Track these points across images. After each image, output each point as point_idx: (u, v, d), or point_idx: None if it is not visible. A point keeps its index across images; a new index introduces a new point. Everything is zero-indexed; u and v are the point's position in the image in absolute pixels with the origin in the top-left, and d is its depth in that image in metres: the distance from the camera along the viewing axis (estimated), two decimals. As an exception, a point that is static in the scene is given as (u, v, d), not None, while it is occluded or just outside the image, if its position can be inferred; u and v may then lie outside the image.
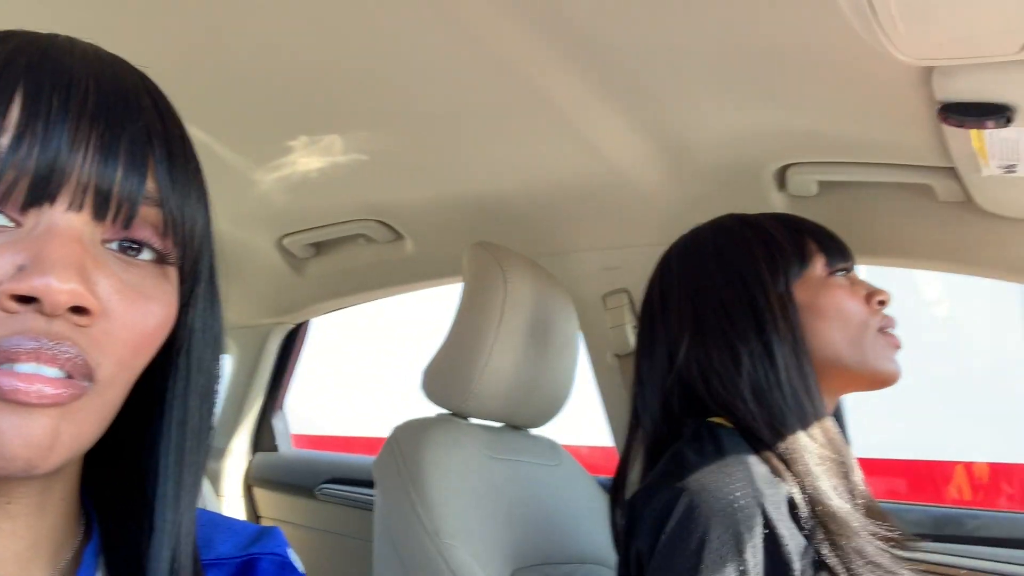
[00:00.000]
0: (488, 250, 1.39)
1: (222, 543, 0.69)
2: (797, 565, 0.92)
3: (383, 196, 1.68)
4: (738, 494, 0.93)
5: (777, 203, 1.41)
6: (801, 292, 1.11)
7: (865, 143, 1.23)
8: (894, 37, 0.81)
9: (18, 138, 0.47)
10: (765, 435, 1.03)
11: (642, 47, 1.09)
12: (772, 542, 0.92)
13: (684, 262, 1.18)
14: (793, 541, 0.93)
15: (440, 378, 1.36)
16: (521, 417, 1.45)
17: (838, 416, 1.20)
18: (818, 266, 1.13)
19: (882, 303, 1.13)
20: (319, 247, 2.00)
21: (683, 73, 1.14)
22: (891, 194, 1.34)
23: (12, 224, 0.48)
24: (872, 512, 1.07)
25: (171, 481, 0.58)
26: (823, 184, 1.37)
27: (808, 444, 1.02)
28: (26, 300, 0.46)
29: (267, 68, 1.20)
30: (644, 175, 1.45)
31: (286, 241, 1.94)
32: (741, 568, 0.89)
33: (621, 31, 1.06)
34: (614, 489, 1.18)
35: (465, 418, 1.39)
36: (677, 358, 1.13)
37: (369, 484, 2.13)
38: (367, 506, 2.10)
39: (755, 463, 0.99)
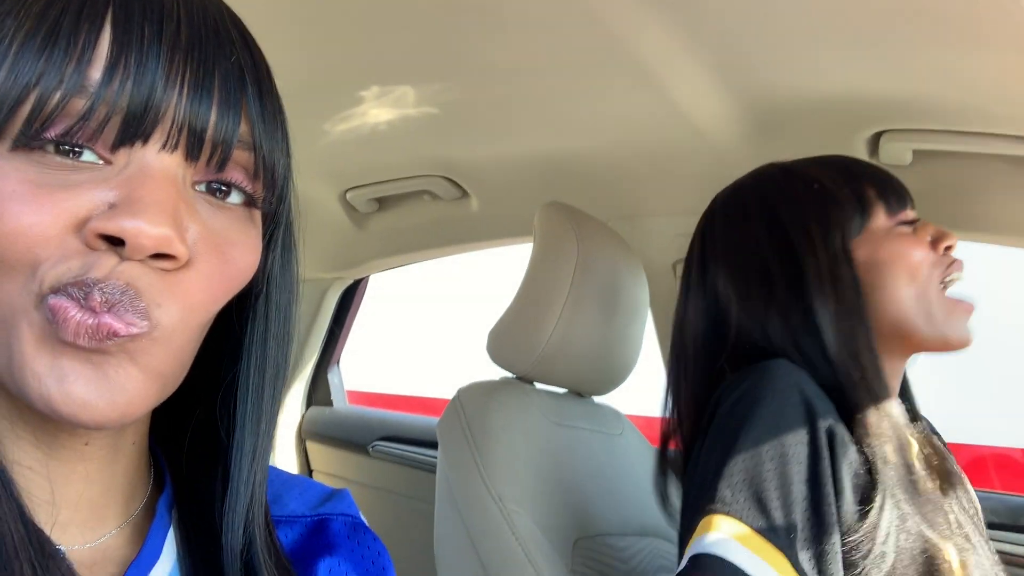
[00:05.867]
0: (561, 211, 1.34)
1: (292, 500, 0.68)
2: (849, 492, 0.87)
3: (451, 152, 1.64)
4: (803, 388, 0.89)
5: (867, 172, 1.34)
6: (862, 248, 1.02)
7: (970, 110, 1.16)
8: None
9: (110, 70, 0.44)
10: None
11: (736, -1, 1.03)
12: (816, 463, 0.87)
13: (728, 220, 1.11)
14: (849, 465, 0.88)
15: (507, 341, 1.33)
16: (586, 384, 1.41)
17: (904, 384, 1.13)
18: (880, 216, 1.03)
19: (949, 248, 1.03)
20: (382, 202, 1.98)
21: (778, 28, 1.08)
22: (993, 166, 1.26)
23: (101, 162, 0.45)
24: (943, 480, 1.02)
25: (248, 430, 0.56)
26: (918, 153, 1.29)
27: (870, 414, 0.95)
28: (111, 240, 0.44)
29: (341, 12, 1.16)
30: (725, 137, 1.38)
31: (349, 195, 1.92)
32: (812, 435, 0.86)
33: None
34: (660, 458, 1.14)
35: (530, 382, 1.36)
36: (725, 323, 1.06)
37: (422, 443, 2.14)
38: (420, 465, 2.09)
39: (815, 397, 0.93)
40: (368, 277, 2.44)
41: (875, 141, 1.30)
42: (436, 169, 1.73)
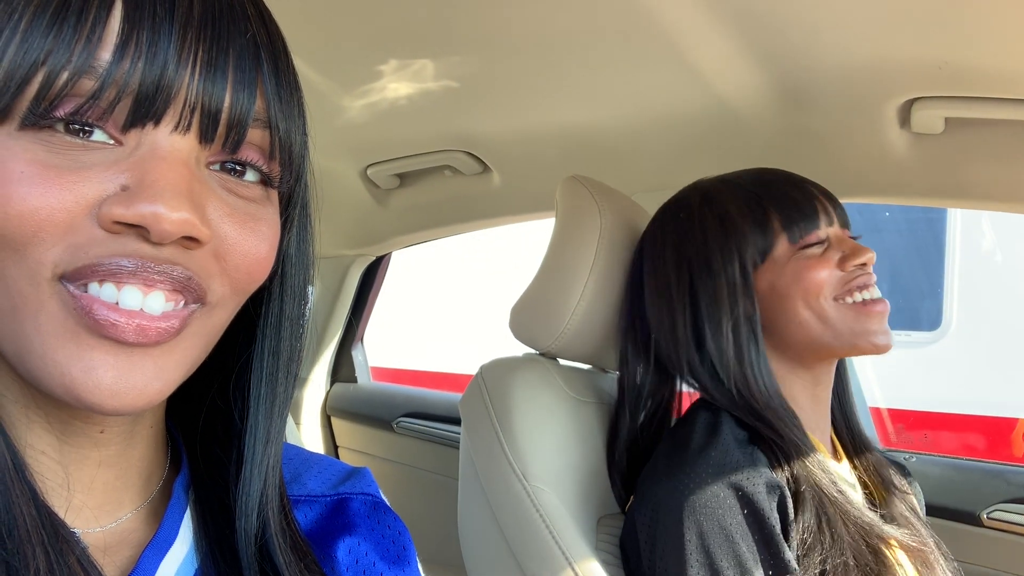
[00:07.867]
0: (583, 184, 1.32)
1: (311, 479, 0.68)
2: (783, 543, 0.93)
3: (471, 126, 1.62)
4: (714, 488, 0.95)
5: (897, 141, 1.31)
6: (764, 276, 1.08)
7: (1005, 76, 1.12)
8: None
9: (121, 49, 0.43)
10: (731, 410, 1.05)
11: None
12: (756, 520, 0.94)
13: (648, 239, 1.20)
14: (775, 515, 0.95)
15: (529, 317, 1.31)
16: (611, 360, 1.39)
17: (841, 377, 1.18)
18: (782, 245, 1.08)
19: (862, 266, 1.06)
20: (403, 178, 1.96)
21: (807, -6, 1.04)
22: (1028, 134, 1.22)
23: (112, 142, 0.44)
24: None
25: (262, 411, 0.56)
26: (951, 121, 1.26)
27: (773, 416, 1.03)
28: (130, 224, 0.43)
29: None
30: (751, 107, 1.35)
31: (370, 171, 1.90)
32: (736, 553, 0.92)
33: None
34: (609, 446, 1.23)
35: (553, 359, 1.35)
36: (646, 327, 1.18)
37: (446, 420, 2.13)
38: (445, 441, 2.09)
39: (732, 440, 1.01)
40: (391, 254, 2.44)
41: (906, 109, 1.26)
42: (457, 144, 1.71)
